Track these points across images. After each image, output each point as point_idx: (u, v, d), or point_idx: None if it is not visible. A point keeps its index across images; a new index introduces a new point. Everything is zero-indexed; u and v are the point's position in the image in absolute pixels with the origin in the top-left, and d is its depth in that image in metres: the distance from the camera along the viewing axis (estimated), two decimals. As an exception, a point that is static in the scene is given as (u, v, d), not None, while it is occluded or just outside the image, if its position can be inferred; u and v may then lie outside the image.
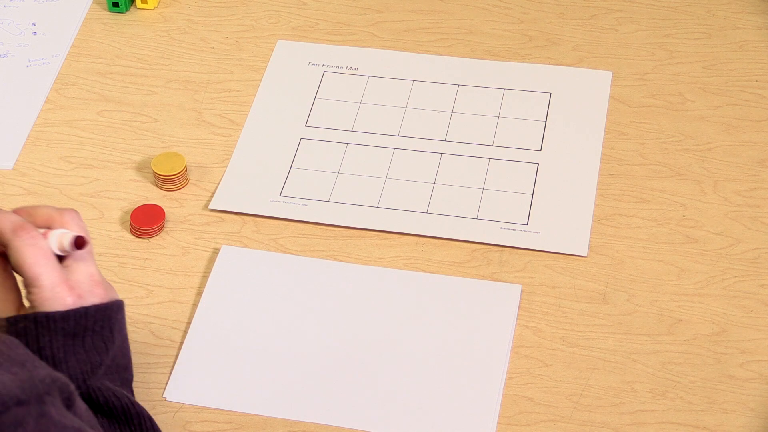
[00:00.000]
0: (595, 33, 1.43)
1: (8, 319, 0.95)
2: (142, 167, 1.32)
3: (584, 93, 1.37)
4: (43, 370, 0.84)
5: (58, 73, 1.42)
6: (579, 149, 1.31)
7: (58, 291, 0.94)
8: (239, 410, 1.10)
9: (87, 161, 1.33)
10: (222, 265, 1.21)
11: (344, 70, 1.41)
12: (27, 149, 1.34)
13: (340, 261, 1.21)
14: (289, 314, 1.17)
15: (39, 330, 0.94)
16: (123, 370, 1.00)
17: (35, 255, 0.94)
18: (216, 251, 1.22)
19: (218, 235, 1.24)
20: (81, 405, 0.90)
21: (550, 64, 1.40)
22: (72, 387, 0.87)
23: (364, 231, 1.24)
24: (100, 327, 0.96)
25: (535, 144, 1.32)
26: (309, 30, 1.46)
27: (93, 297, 0.96)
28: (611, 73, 1.39)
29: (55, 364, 0.94)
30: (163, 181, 1.29)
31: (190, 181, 1.30)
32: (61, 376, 0.86)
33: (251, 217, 1.26)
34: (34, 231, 0.95)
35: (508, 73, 1.39)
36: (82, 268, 0.97)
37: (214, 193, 1.28)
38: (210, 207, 1.27)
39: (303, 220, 1.26)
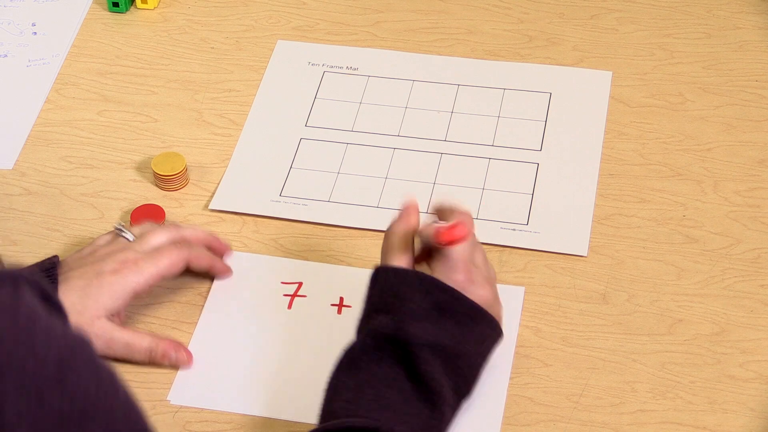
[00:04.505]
0: (595, 33, 1.43)
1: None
2: (142, 167, 1.32)
3: (584, 93, 1.37)
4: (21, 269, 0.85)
5: (58, 73, 1.42)
6: (579, 149, 1.31)
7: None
8: (241, 412, 1.10)
9: (87, 161, 1.33)
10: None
11: (344, 70, 1.41)
12: (27, 149, 1.34)
13: (340, 261, 1.21)
14: (291, 317, 1.17)
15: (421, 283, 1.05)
16: (464, 370, 1.04)
17: None
18: (216, 251, 1.22)
19: (218, 235, 1.24)
20: (60, 304, 0.88)
21: (550, 64, 1.40)
22: (48, 289, 0.85)
23: (364, 231, 1.24)
24: (460, 317, 1.04)
25: (535, 144, 1.31)
26: (309, 30, 1.46)
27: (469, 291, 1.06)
28: (611, 73, 1.38)
29: (413, 317, 1.03)
30: (163, 181, 1.29)
31: (190, 181, 1.30)
32: (37, 276, 0.85)
33: (251, 217, 1.26)
34: None
35: (508, 73, 1.39)
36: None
37: (214, 193, 1.28)
38: (210, 207, 1.27)
39: (303, 220, 1.26)
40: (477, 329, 1.05)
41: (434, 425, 1.00)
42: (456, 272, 1.06)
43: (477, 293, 1.06)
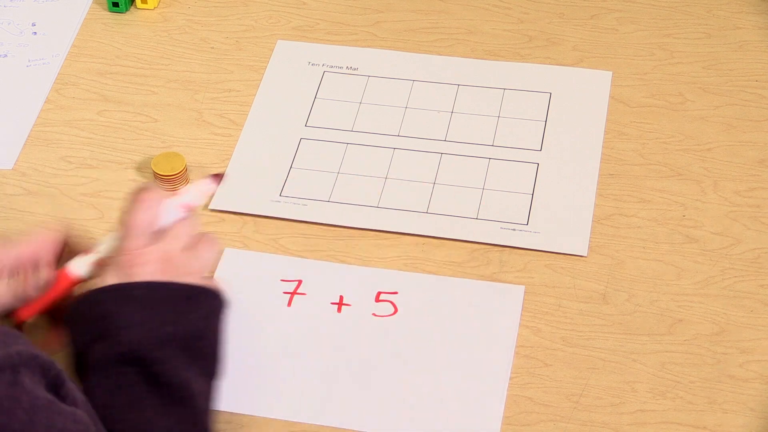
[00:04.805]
0: (595, 33, 1.43)
1: None
2: (142, 167, 1.32)
3: (584, 93, 1.37)
4: (25, 347, 0.84)
5: (58, 73, 1.42)
6: (579, 149, 1.31)
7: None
8: (241, 411, 1.10)
9: (87, 161, 1.33)
10: (224, 268, 1.21)
11: (344, 70, 1.41)
12: (27, 149, 1.34)
13: (341, 261, 1.21)
14: (291, 315, 1.17)
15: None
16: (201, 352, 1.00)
17: None
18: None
19: (218, 235, 1.24)
20: (73, 389, 0.88)
21: (550, 64, 1.40)
22: (58, 370, 0.85)
23: (364, 231, 1.24)
24: (172, 303, 0.99)
25: (535, 144, 1.32)
26: (309, 30, 1.46)
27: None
28: (611, 73, 1.39)
29: (128, 328, 0.96)
30: (163, 181, 1.29)
31: (190, 181, 1.30)
32: (45, 357, 0.85)
33: (251, 217, 1.26)
34: None
35: (508, 73, 1.39)
36: None
37: (214, 193, 1.28)
38: (210, 207, 1.27)
39: (303, 220, 1.26)
40: (198, 306, 1.01)
41: (196, 422, 0.97)
42: (144, 265, 1.00)
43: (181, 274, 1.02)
